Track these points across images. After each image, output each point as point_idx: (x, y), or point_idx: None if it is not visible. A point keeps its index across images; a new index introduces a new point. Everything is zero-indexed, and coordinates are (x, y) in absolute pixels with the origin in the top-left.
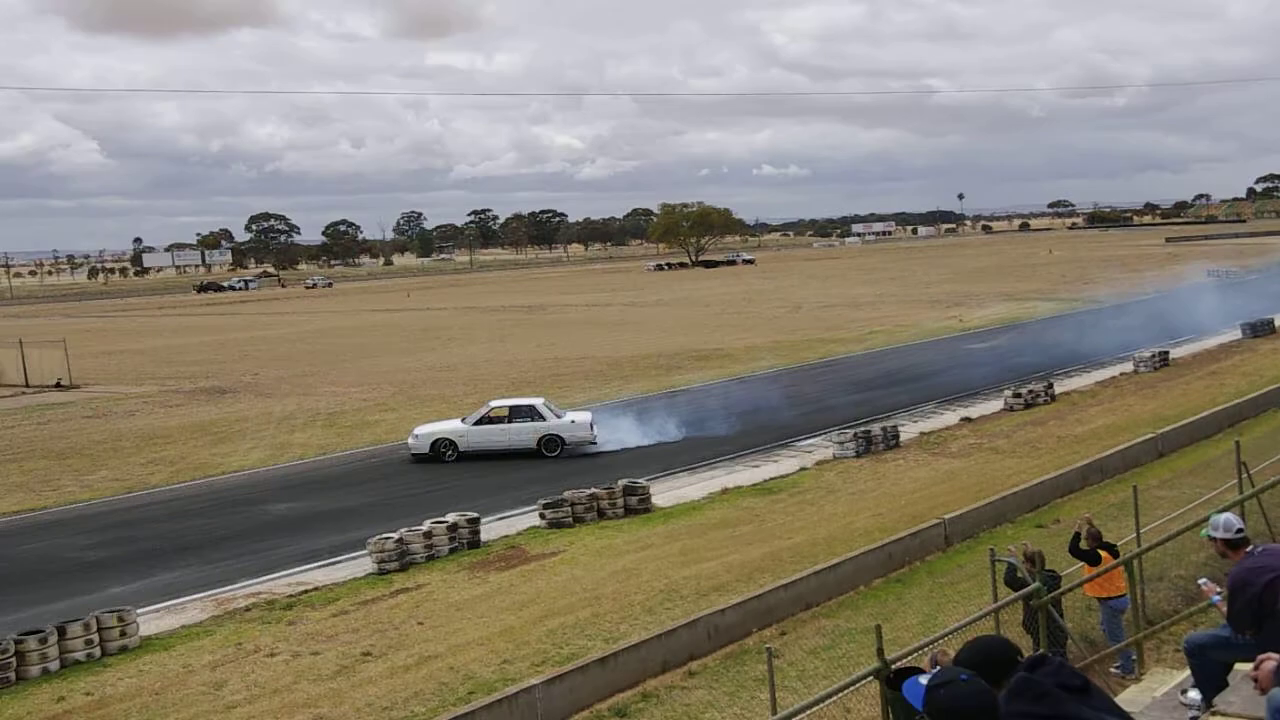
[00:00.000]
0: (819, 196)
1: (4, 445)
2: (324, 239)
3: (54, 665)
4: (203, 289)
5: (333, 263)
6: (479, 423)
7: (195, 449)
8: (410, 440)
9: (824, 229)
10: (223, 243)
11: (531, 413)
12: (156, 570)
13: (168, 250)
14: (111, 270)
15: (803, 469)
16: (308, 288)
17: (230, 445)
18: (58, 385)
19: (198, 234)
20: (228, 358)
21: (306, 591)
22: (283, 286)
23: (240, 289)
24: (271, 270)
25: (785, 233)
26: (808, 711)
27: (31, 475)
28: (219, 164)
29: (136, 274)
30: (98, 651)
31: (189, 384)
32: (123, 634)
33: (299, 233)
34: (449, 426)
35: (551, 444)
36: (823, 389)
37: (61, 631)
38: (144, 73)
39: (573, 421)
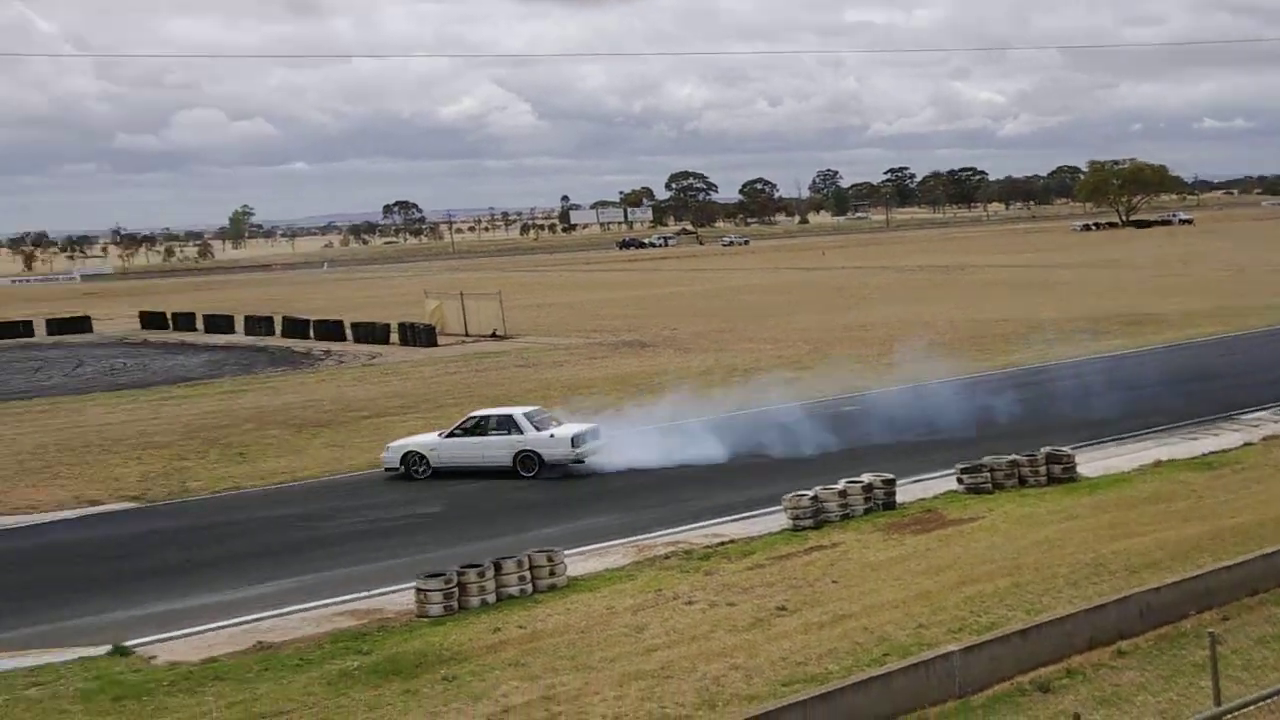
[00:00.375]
0: (1269, 151)
1: (448, 389)
2: (740, 197)
3: (490, 598)
4: (624, 245)
5: (749, 220)
6: (452, 435)
7: (616, 400)
8: (383, 455)
9: (1274, 186)
10: (644, 200)
11: (509, 424)
12: (580, 515)
13: (592, 208)
14: (541, 227)
15: (1247, 444)
16: (724, 245)
17: (652, 397)
18: (493, 335)
19: (620, 192)
20: (648, 313)
21: (723, 543)
22: (700, 244)
23: (660, 246)
24: (690, 228)
25: (1229, 191)
26: (1261, 704)
27: None
28: (641, 124)
29: (564, 230)
30: (529, 588)
31: (611, 337)
32: (551, 573)
33: (716, 191)
34: (422, 440)
35: (528, 462)
36: (1273, 357)
37: (498, 567)
38: (573, 36)
39: (551, 436)
